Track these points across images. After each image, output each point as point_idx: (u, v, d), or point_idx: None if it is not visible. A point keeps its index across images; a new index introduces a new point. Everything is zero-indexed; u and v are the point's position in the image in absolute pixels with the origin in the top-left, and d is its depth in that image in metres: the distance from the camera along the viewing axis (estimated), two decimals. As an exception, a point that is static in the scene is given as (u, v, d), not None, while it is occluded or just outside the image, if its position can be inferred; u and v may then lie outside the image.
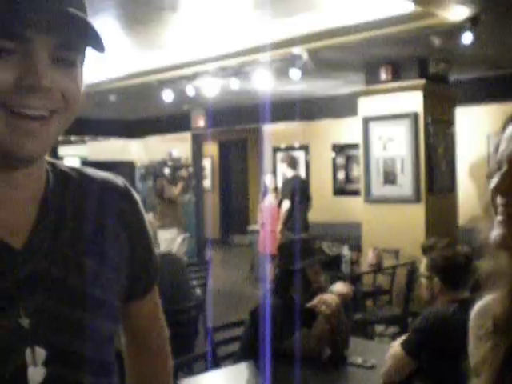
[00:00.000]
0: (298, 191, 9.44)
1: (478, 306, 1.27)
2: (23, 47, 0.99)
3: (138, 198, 1.31)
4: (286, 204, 9.42)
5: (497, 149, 1.19)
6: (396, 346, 3.05)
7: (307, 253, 3.88)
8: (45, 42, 1.00)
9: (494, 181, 1.13)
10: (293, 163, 9.88)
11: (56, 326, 1.09)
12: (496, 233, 1.12)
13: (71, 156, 15.72)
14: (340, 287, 3.82)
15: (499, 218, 1.12)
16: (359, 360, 3.44)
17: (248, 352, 3.57)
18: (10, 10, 0.95)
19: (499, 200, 1.13)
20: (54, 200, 1.16)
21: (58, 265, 1.12)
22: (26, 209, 1.12)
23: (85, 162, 15.78)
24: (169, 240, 9.62)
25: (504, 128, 1.20)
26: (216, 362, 3.92)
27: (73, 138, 15.15)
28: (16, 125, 0.99)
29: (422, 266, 3.39)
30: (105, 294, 1.18)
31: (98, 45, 1.04)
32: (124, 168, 15.73)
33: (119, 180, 1.29)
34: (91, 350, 1.15)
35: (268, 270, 9.94)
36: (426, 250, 3.47)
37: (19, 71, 0.98)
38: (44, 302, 1.08)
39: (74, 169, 1.24)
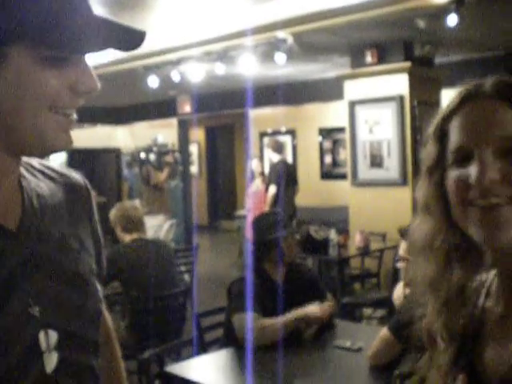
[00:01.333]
0: (284, 175, 9.45)
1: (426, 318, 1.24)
2: (77, 55, 1.08)
3: (93, 193, 1.40)
4: (273, 189, 9.42)
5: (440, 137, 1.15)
6: (384, 329, 3.06)
7: (279, 225, 3.90)
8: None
9: (474, 171, 1.05)
10: (278, 148, 9.87)
11: (60, 308, 1.13)
12: (482, 232, 1.06)
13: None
14: (314, 310, 3.67)
15: (481, 213, 1.05)
16: (347, 343, 3.45)
17: (231, 334, 3.58)
18: (71, 24, 1.03)
19: (475, 193, 1.05)
20: (29, 185, 1.20)
21: (49, 246, 1.15)
22: (14, 194, 1.15)
23: (70, 150, 15.68)
24: (156, 226, 9.64)
25: (454, 111, 1.14)
26: (203, 348, 3.93)
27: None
28: (58, 121, 1.08)
29: (401, 249, 3.40)
30: (88, 274, 1.23)
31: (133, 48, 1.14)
32: (110, 155, 15.68)
33: (79, 176, 1.37)
34: (91, 331, 1.20)
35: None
36: (404, 233, 3.48)
37: (74, 77, 1.08)
38: (45, 285, 1.11)
39: (37, 161, 1.29)
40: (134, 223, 5.06)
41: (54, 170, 1.30)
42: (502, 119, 1.06)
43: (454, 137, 1.11)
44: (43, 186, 1.23)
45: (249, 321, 3.46)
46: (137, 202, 7.12)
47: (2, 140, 1.08)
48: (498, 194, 1.03)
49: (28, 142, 1.09)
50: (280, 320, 3.52)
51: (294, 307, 3.66)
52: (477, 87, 1.13)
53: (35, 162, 1.27)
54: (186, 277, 7.47)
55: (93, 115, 14.08)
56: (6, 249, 1.07)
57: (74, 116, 1.12)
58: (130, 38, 1.12)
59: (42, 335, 1.07)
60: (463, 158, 1.08)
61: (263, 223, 3.95)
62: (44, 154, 1.15)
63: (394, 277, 6.43)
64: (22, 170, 1.20)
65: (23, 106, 1.05)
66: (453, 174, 1.09)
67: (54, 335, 1.09)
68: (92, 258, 1.28)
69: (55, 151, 1.12)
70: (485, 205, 1.04)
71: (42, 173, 1.26)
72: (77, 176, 1.35)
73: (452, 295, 1.15)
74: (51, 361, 1.08)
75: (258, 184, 10.16)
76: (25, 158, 1.24)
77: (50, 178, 1.27)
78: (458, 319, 1.16)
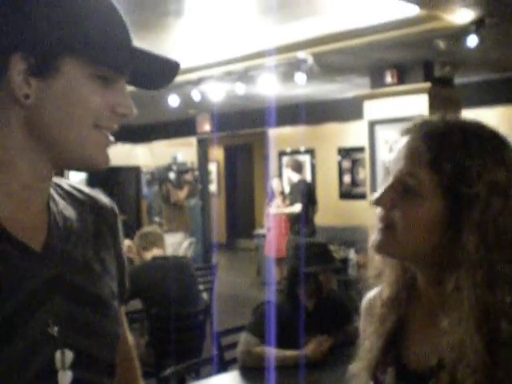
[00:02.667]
0: (305, 195, 9.44)
1: (365, 300, 1.50)
2: (119, 78, 1.14)
3: (120, 216, 1.41)
4: (299, 207, 9.39)
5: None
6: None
7: (322, 258, 3.86)
8: (128, 75, 1.16)
9: (376, 193, 1.27)
10: (298, 167, 9.87)
11: (79, 330, 1.13)
12: (375, 238, 1.28)
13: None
14: (313, 350, 3.63)
15: (378, 226, 1.28)
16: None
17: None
18: (120, 44, 1.11)
19: (378, 211, 1.28)
20: (57, 207, 1.21)
21: (71, 268, 1.16)
22: (41, 213, 1.16)
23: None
24: (175, 244, 9.65)
25: (398, 139, 1.30)
26: (223, 366, 3.93)
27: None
28: (99, 139, 1.14)
29: None
30: (109, 297, 1.24)
31: (162, 86, 1.25)
32: (130, 173, 15.76)
33: (106, 198, 1.39)
34: (107, 352, 1.20)
35: (274, 274, 9.95)
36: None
37: (115, 99, 1.13)
38: (65, 306, 1.12)
39: (66, 182, 1.31)
40: (151, 241, 5.07)
41: (82, 192, 1.31)
42: (412, 164, 1.24)
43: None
44: (70, 209, 1.24)
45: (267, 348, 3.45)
46: (157, 220, 7.15)
47: (45, 151, 1.11)
48: (383, 217, 1.27)
49: (69, 156, 1.13)
50: (278, 354, 3.51)
51: (322, 333, 3.67)
52: (411, 125, 1.30)
53: (64, 183, 1.29)
54: (205, 295, 7.48)
55: (113, 133, 14.16)
56: (30, 269, 1.08)
57: (111, 138, 1.17)
58: (168, 68, 1.19)
59: (58, 354, 1.08)
60: (386, 178, 1.30)
61: (304, 253, 3.86)
62: (83, 169, 1.22)
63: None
64: (52, 192, 1.22)
65: (69, 120, 1.09)
66: None
67: (69, 355, 1.10)
68: (114, 281, 1.29)
69: (94, 167, 1.16)
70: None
71: (71, 195, 1.27)
72: (104, 199, 1.36)
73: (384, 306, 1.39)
74: (65, 380, 1.09)
75: (278, 203, 10.16)
76: (55, 180, 1.25)
77: (78, 201, 1.28)
78: (387, 322, 1.37)
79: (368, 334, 1.41)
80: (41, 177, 1.14)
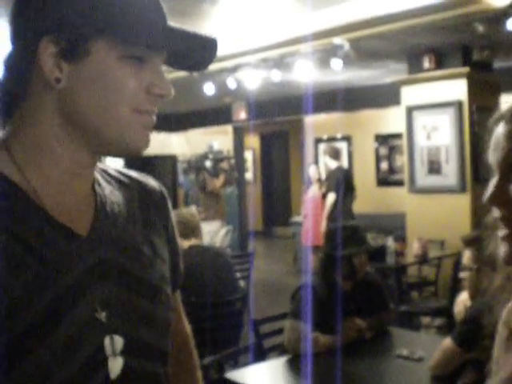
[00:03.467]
0: (342, 182, 9.38)
1: (508, 308, 1.23)
2: (152, 57, 1.10)
3: (169, 200, 1.38)
4: (332, 196, 9.34)
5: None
6: (446, 339, 3.01)
7: (355, 240, 3.85)
8: (163, 55, 1.13)
9: (486, 192, 1.10)
10: (335, 154, 9.81)
11: (128, 315, 1.12)
12: (503, 250, 1.09)
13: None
14: (348, 327, 3.69)
15: (501, 233, 1.09)
16: (405, 352, 3.40)
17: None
18: (153, 22, 1.07)
19: (495, 212, 1.10)
20: (103, 191, 1.20)
21: (119, 252, 1.15)
22: (86, 198, 1.15)
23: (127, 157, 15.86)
24: (212, 232, 9.68)
25: (491, 130, 1.17)
26: (262, 355, 3.92)
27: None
28: (139, 122, 1.10)
29: (465, 258, 3.32)
30: (160, 282, 1.22)
31: (201, 67, 1.20)
32: (166, 162, 15.82)
33: (155, 182, 1.37)
34: (157, 339, 1.18)
35: (311, 262, 9.92)
36: (470, 242, 3.39)
37: (150, 80, 1.10)
38: (113, 291, 1.10)
39: (112, 168, 1.30)
40: (191, 229, 5.08)
41: (129, 177, 1.30)
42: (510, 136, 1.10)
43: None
44: (117, 194, 1.23)
45: (308, 331, 3.44)
46: (193, 209, 7.17)
47: (82, 137, 1.09)
48: (503, 216, 1.08)
49: (107, 142, 1.10)
50: (333, 338, 3.50)
51: (359, 316, 3.68)
52: (505, 110, 1.17)
53: (110, 169, 1.28)
54: (242, 283, 7.48)
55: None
56: (75, 254, 1.07)
57: (153, 119, 1.14)
58: (206, 45, 1.14)
59: (107, 340, 1.06)
60: (493, 174, 1.13)
61: (337, 236, 3.86)
62: (121, 155, 1.18)
63: (454, 285, 6.32)
64: (98, 177, 1.21)
65: (104, 104, 1.06)
66: None
67: (119, 341, 1.08)
68: (166, 265, 1.27)
69: (133, 153, 1.14)
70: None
71: (117, 180, 1.26)
72: (153, 182, 1.34)
73: None
74: (116, 367, 1.07)
75: (314, 190, 10.13)
76: (100, 165, 1.25)
77: (126, 185, 1.26)
78: None
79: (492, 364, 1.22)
80: (82, 163, 1.12)
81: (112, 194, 1.21)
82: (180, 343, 1.43)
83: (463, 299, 3.45)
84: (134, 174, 1.32)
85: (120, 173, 1.29)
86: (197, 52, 1.15)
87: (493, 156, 1.13)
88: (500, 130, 1.13)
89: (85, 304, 1.05)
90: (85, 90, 1.06)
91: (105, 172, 1.25)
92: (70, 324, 1.02)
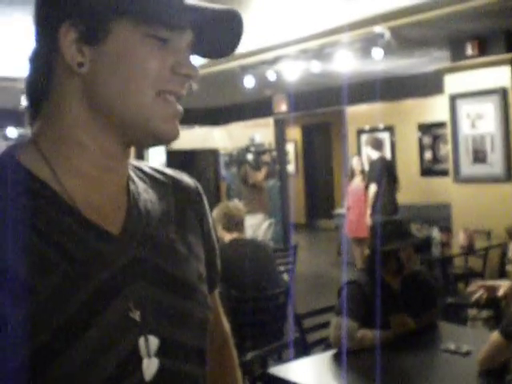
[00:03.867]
0: (384, 173, 9.29)
1: None
2: (176, 38, 1.06)
3: (205, 197, 1.35)
4: (374, 187, 9.26)
5: None
6: (495, 332, 2.93)
7: (400, 235, 3.79)
8: (188, 36, 1.09)
9: None
10: (377, 145, 9.72)
11: (163, 315, 1.08)
12: None
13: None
14: (397, 323, 3.62)
15: None
16: (452, 346, 3.32)
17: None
18: (175, 1, 1.03)
19: None
20: (137, 189, 1.17)
21: (153, 251, 1.12)
22: (118, 195, 1.12)
23: (170, 151, 15.98)
24: (255, 226, 9.66)
25: None
26: (305, 349, 3.88)
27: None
28: (165, 107, 1.07)
29: (511, 250, 3.23)
30: (196, 280, 1.19)
31: (233, 45, 1.15)
32: (208, 156, 15.90)
33: (191, 179, 1.33)
34: (194, 339, 1.15)
35: (356, 254, 9.85)
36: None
37: (174, 60, 1.06)
38: (147, 290, 1.07)
39: (147, 165, 1.27)
40: (235, 223, 5.08)
41: (164, 174, 1.27)
42: None
43: None
44: (151, 191, 1.20)
45: (344, 328, 3.40)
46: (240, 203, 7.16)
47: (108, 125, 1.07)
48: None
49: (133, 130, 1.07)
50: (379, 335, 3.45)
51: (408, 313, 3.62)
52: None
53: (145, 166, 1.25)
54: (285, 276, 7.45)
55: (190, 117, 14.30)
56: (108, 253, 1.05)
57: (180, 108, 1.10)
58: (230, 23, 1.11)
59: (142, 341, 1.03)
60: None
61: (383, 231, 3.79)
62: (150, 143, 1.13)
63: (501, 277, 6.20)
64: (132, 174, 1.18)
65: (127, 87, 1.04)
66: None
67: (154, 341, 1.05)
68: (201, 263, 1.24)
69: (162, 141, 1.11)
70: None
71: (152, 177, 1.23)
72: (188, 179, 1.31)
73: None
74: (151, 368, 1.04)
75: (357, 182, 10.05)
76: (135, 162, 1.22)
77: (160, 183, 1.24)
78: None
79: None
80: (111, 155, 1.09)
81: (146, 192, 1.19)
82: (219, 343, 1.40)
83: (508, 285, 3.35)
84: (168, 170, 1.29)
85: (154, 170, 1.26)
86: (222, 30, 1.11)
87: None
88: None
89: (118, 304, 1.03)
90: (107, 72, 1.03)
91: (138, 169, 1.23)
92: (103, 325, 1.00)
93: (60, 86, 1.06)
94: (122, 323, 1.02)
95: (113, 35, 1.02)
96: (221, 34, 1.12)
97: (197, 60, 1.13)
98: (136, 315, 1.04)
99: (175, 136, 1.10)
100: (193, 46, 1.11)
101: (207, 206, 1.33)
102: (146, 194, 1.18)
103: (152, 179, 1.23)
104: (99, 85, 1.04)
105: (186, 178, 1.31)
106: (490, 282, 3.33)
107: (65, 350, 0.96)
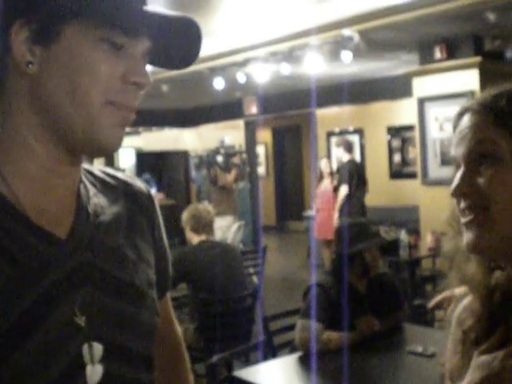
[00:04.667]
0: (354, 175, 9.33)
1: (460, 308, 1.25)
2: (131, 44, 1.03)
3: (157, 202, 1.33)
4: (344, 189, 9.30)
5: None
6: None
7: (365, 236, 3.80)
8: (143, 43, 1.06)
9: (453, 184, 1.11)
10: (348, 147, 9.76)
11: (109, 320, 1.07)
12: (467, 237, 1.09)
13: (126, 147, 15.77)
14: (362, 326, 3.62)
15: (466, 219, 1.09)
16: (419, 349, 3.34)
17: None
18: (130, 4, 1.01)
19: (462, 204, 1.10)
20: (87, 193, 1.15)
21: (101, 256, 1.10)
22: (67, 200, 1.10)
23: (140, 153, 15.90)
24: (224, 227, 9.65)
25: (455, 125, 1.17)
26: (272, 352, 3.88)
27: (127, 130, 15.27)
28: (113, 116, 1.04)
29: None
30: (145, 286, 1.17)
31: (189, 58, 1.13)
32: (178, 157, 15.87)
33: (142, 183, 1.32)
34: (141, 344, 1.13)
35: (324, 256, 9.88)
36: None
37: (126, 67, 1.03)
38: (94, 295, 1.06)
39: (99, 169, 1.25)
40: (203, 224, 5.06)
41: (115, 178, 1.25)
42: (481, 132, 1.10)
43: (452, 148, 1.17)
44: (102, 196, 1.18)
45: (310, 330, 3.40)
46: (206, 204, 7.14)
47: (53, 129, 1.04)
48: (469, 205, 1.09)
49: (76, 136, 1.04)
50: (346, 336, 3.46)
51: (373, 315, 3.64)
52: (470, 103, 1.17)
53: (97, 170, 1.23)
54: (254, 279, 7.44)
55: (160, 119, 14.25)
56: (53, 257, 1.03)
57: (132, 116, 1.07)
58: (187, 33, 1.09)
59: (85, 347, 1.02)
60: (458, 168, 1.13)
61: (347, 233, 3.81)
62: (89, 153, 1.10)
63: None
64: (83, 178, 1.16)
65: (75, 91, 1.01)
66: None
67: (99, 348, 1.04)
68: (151, 269, 1.22)
69: (102, 152, 1.08)
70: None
71: (103, 181, 1.22)
72: (140, 184, 1.29)
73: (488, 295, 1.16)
74: (95, 375, 1.03)
75: (326, 184, 10.08)
76: (86, 166, 1.20)
77: (111, 187, 1.22)
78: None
79: (455, 355, 1.21)
80: (60, 159, 1.07)
81: (96, 196, 1.17)
82: (172, 347, 1.40)
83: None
84: (120, 174, 1.27)
85: (106, 174, 1.24)
86: (179, 39, 1.09)
87: (458, 149, 1.13)
88: (465, 122, 1.14)
89: (63, 309, 1.01)
90: (56, 74, 1.01)
91: (90, 173, 1.21)
92: (48, 330, 0.98)
93: (10, 85, 1.04)
94: (67, 329, 1.01)
95: (65, 37, 1.00)
96: (178, 42, 1.10)
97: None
98: (81, 320, 1.02)
99: (116, 147, 1.07)
100: (151, 55, 1.09)
101: (159, 212, 1.31)
102: (97, 199, 1.16)
103: (103, 183, 1.21)
104: (46, 87, 1.02)
105: (137, 183, 1.30)
106: (447, 294, 3.35)
107: (8, 356, 0.95)
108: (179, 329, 1.44)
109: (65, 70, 1.00)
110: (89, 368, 1.02)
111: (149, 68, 1.08)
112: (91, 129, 1.03)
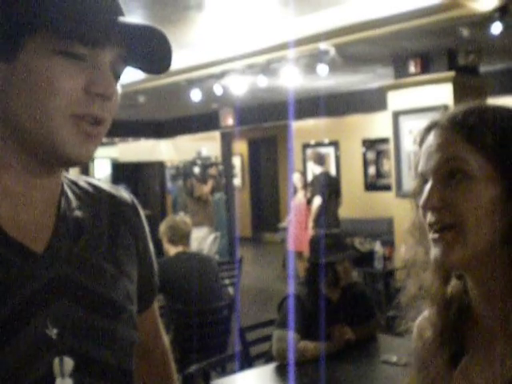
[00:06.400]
0: (327, 187, 9.38)
1: (421, 319, 1.27)
2: (94, 54, 1.01)
3: (142, 212, 1.33)
4: (318, 200, 9.35)
5: (418, 163, 1.17)
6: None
7: (337, 248, 3.86)
8: (109, 52, 1.03)
9: (422, 198, 1.11)
10: (319, 160, 9.82)
11: (82, 333, 1.06)
12: (436, 252, 1.09)
13: (101, 158, 15.75)
14: (336, 336, 3.70)
15: (434, 235, 1.10)
16: (394, 358, 3.39)
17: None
18: (90, 15, 0.98)
19: (430, 217, 1.10)
20: (69, 206, 1.15)
21: (79, 270, 1.10)
22: (45, 212, 1.10)
23: (115, 164, 15.86)
24: (200, 238, 9.66)
25: (422, 140, 1.18)
26: (248, 362, 3.91)
27: (103, 140, 15.23)
28: (78, 128, 1.01)
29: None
30: (124, 300, 1.17)
31: (164, 62, 1.09)
32: (154, 168, 15.84)
33: (127, 194, 1.31)
34: (116, 358, 1.12)
35: (297, 267, 9.91)
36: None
37: (89, 78, 1.01)
38: (68, 309, 1.05)
39: (83, 179, 1.25)
40: (180, 236, 5.08)
41: (99, 190, 1.24)
42: (451, 149, 1.10)
43: (419, 163, 1.17)
44: (84, 208, 1.17)
45: (286, 340, 3.44)
46: (182, 215, 7.15)
47: (22, 144, 1.03)
48: (439, 220, 1.08)
49: (42, 150, 1.03)
50: (322, 346, 3.50)
51: (346, 325, 3.70)
52: (438, 118, 1.19)
53: (82, 180, 1.23)
54: (230, 290, 7.46)
55: (136, 129, 14.23)
56: (28, 272, 1.02)
57: (103, 127, 1.06)
58: (153, 43, 1.06)
59: (56, 361, 1.02)
60: (425, 183, 1.13)
61: (320, 245, 3.87)
62: (59, 163, 1.07)
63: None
64: (66, 190, 1.16)
65: (36, 107, 0.99)
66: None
67: (69, 362, 1.03)
68: (133, 283, 1.22)
69: (70, 163, 1.05)
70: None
71: (87, 192, 1.20)
72: (125, 195, 1.29)
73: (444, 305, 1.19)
74: None
75: (299, 197, 10.13)
76: (71, 177, 1.20)
77: (94, 199, 1.21)
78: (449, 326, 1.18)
79: (418, 365, 1.25)
80: (35, 173, 1.07)
81: (78, 208, 1.16)
82: (159, 358, 1.40)
83: None
84: (105, 185, 1.27)
85: (90, 184, 1.24)
86: (146, 47, 1.06)
87: (426, 164, 1.13)
88: (433, 138, 1.14)
89: (37, 322, 1.01)
90: (18, 89, 1.00)
91: (75, 184, 1.20)
92: (20, 343, 0.98)
93: None
94: (38, 342, 1.00)
95: (25, 51, 0.99)
96: (147, 50, 1.07)
97: (143, 74, 1.11)
98: (53, 333, 1.02)
99: (84, 159, 1.05)
100: (128, 61, 1.08)
101: (144, 222, 1.31)
102: (78, 211, 1.15)
103: (87, 195, 1.20)
104: (9, 103, 1.01)
105: (122, 194, 1.29)
106: None
107: None
108: (166, 340, 1.44)
109: (24, 85, 1.00)
110: (58, 381, 1.01)
111: (126, 79, 1.07)
112: (53, 142, 1.01)
